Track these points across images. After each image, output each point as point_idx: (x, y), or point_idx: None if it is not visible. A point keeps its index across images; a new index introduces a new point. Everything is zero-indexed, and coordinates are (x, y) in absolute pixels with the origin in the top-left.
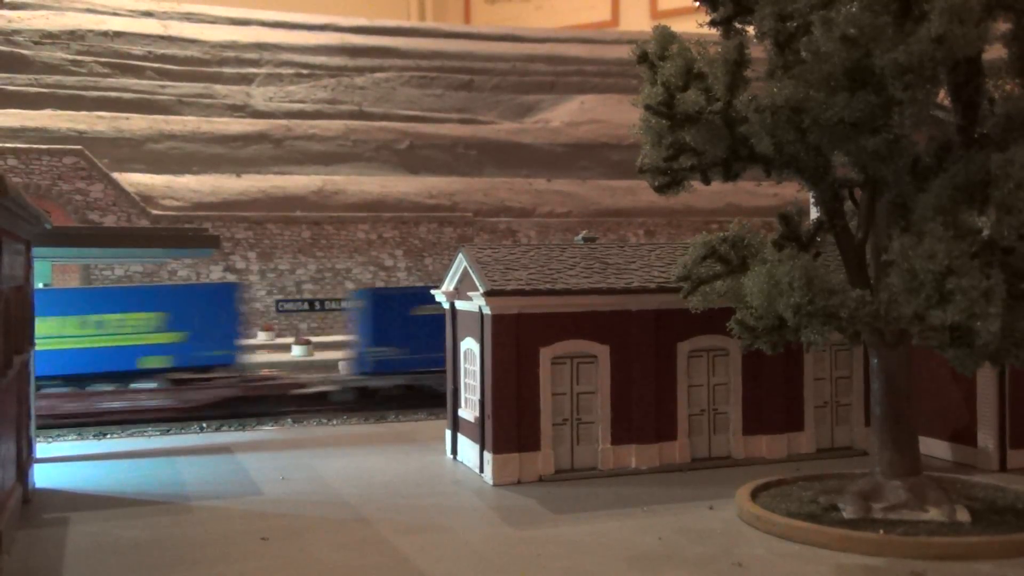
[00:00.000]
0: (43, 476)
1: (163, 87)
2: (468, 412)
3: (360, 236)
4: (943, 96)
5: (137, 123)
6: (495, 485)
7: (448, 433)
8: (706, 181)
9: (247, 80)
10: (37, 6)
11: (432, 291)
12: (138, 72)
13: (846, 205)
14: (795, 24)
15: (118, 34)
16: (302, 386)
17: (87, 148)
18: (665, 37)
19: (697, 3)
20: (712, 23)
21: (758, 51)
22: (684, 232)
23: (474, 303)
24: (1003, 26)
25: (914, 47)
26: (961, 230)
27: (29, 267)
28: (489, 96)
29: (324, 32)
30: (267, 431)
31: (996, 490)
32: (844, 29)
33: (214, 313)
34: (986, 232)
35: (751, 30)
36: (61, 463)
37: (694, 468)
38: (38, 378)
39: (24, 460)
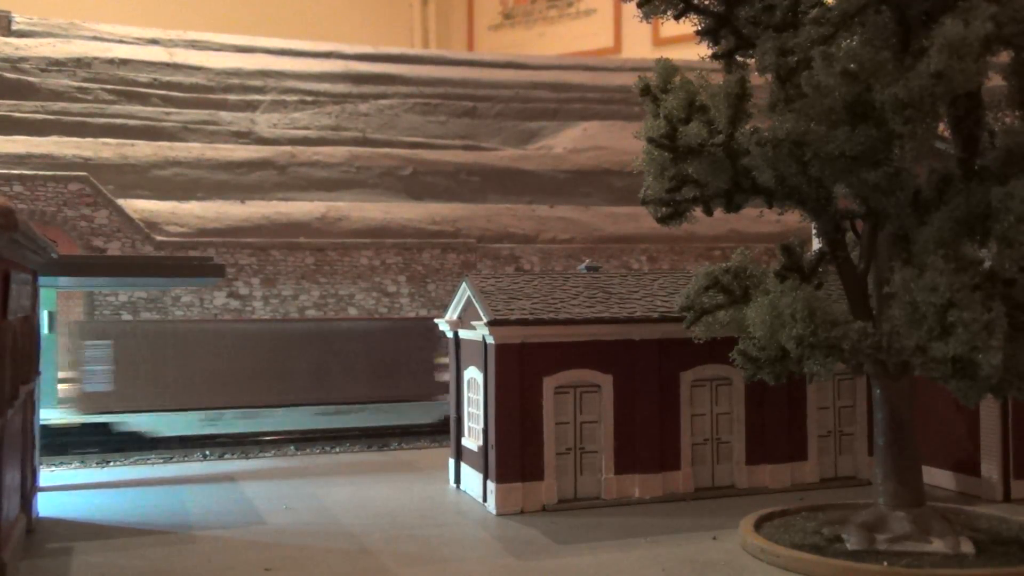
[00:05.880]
0: (46, 505)
1: (168, 114)
2: (471, 441)
3: (363, 262)
4: (943, 128)
5: (142, 149)
6: (498, 515)
7: (451, 462)
8: (708, 212)
9: (252, 107)
10: (44, 34)
11: (436, 320)
12: (144, 99)
13: (848, 236)
14: (796, 59)
15: (124, 61)
16: None
17: (92, 174)
18: (667, 70)
19: (699, 37)
20: (714, 56)
21: (760, 78)
22: (687, 258)
23: (478, 332)
24: (1003, 58)
25: (914, 82)
26: (962, 263)
27: (36, 297)
28: (492, 123)
29: (328, 59)
30: (269, 459)
31: (1000, 521)
32: (844, 64)
33: None
34: (987, 264)
35: (753, 63)
36: (64, 491)
37: (698, 498)
38: None
39: (28, 489)
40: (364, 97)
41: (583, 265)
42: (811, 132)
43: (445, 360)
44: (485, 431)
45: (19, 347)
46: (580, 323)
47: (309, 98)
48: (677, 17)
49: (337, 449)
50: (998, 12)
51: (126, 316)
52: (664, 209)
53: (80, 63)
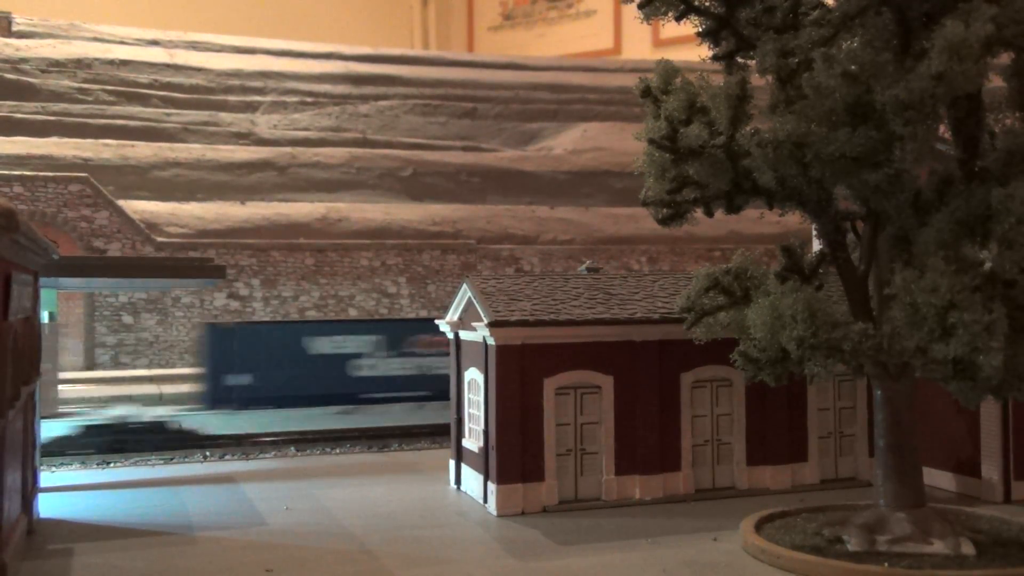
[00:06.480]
0: (47, 506)
1: (168, 115)
2: (472, 442)
3: (363, 263)
4: (944, 130)
5: (142, 151)
6: (499, 516)
7: (452, 463)
8: (709, 214)
9: (252, 108)
10: (45, 35)
11: (436, 321)
12: (144, 100)
13: (848, 237)
14: (797, 60)
15: (124, 62)
16: None
17: (93, 175)
18: (668, 72)
19: (699, 38)
20: (715, 58)
21: (761, 79)
22: (687, 259)
23: (478, 333)
24: (1004, 59)
25: (914, 84)
26: (963, 264)
27: (36, 298)
28: (492, 124)
29: (328, 60)
30: (270, 460)
31: (1001, 522)
32: (845, 66)
33: None
34: (988, 266)
35: (753, 64)
36: (65, 492)
37: (698, 499)
38: None
39: (29, 490)
40: (364, 98)
41: (583, 266)
42: (812, 133)
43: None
44: (486, 432)
45: (20, 348)
46: (581, 324)
47: (309, 99)
48: (678, 19)
49: (337, 450)
50: (998, 13)
51: (127, 318)
52: (665, 210)
53: (80, 64)
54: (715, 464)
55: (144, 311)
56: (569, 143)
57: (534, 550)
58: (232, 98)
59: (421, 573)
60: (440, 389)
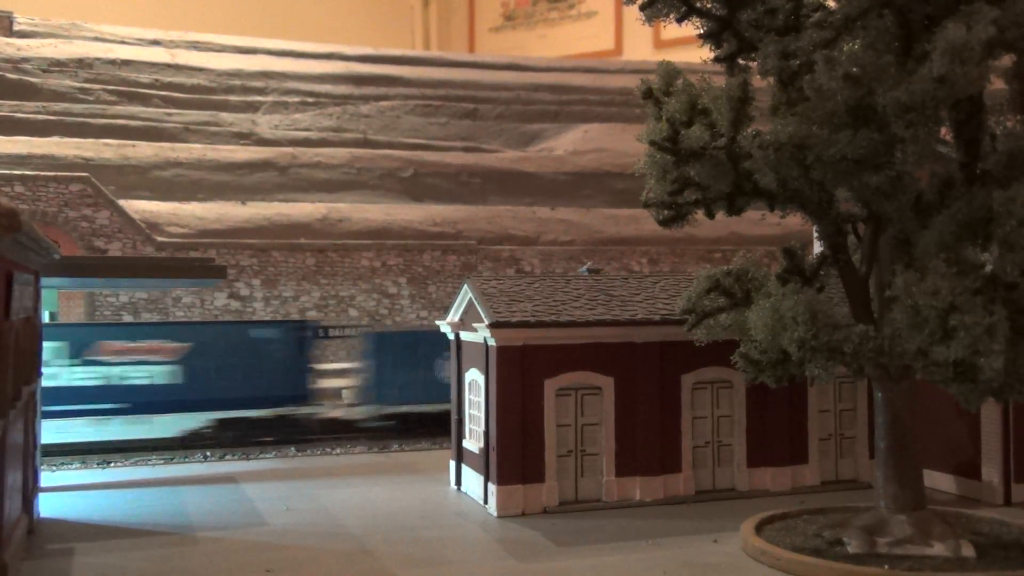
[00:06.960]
0: (48, 505)
1: (170, 115)
2: (472, 443)
3: (364, 264)
4: (945, 132)
5: (143, 150)
6: (499, 517)
7: (452, 464)
8: (710, 215)
9: (253, 108)
10: (46, 35)
11: (437, 322)
12: (145, 100)
13: (849, 240)
14: (798, 62)
15: (126, 62)
16: None
17: (94, 175)
18: (669, 73)
19: (701, 40)
20: (716, 59)
21: (762, 81)
22: (687, 261)
23: (479, 334)
24: (1005, 62)
25: (916, 86)
26: (964, 267)
27: (38, 297)
28: (493, 125)
29: (329, 61)
30: (270, 460)
31: (1001, 525)
32: (847, 68)
33: None
34: (989, 268)
35: (755, 66)
36: (65, 492)
37: (698, 500)
38: None
39: (30, 490)
40: (365, 98)
41: (584, 267)
42: (813, 136)
43: None
44: (486, 433)
45: (22, 348)
46: (581, 325)
47: (310, 99)
48: (679, 20)
49: (337, 451)
50: (1000, 16)
51: (127, 317)
52: (666, 212)
53: (82, 64)
54: (716, 466)
55: (144, 311)
56: (570, 144)
57: (534, 551)
58: (233, 98)
59: (421, 574)
60: (136, 401)
